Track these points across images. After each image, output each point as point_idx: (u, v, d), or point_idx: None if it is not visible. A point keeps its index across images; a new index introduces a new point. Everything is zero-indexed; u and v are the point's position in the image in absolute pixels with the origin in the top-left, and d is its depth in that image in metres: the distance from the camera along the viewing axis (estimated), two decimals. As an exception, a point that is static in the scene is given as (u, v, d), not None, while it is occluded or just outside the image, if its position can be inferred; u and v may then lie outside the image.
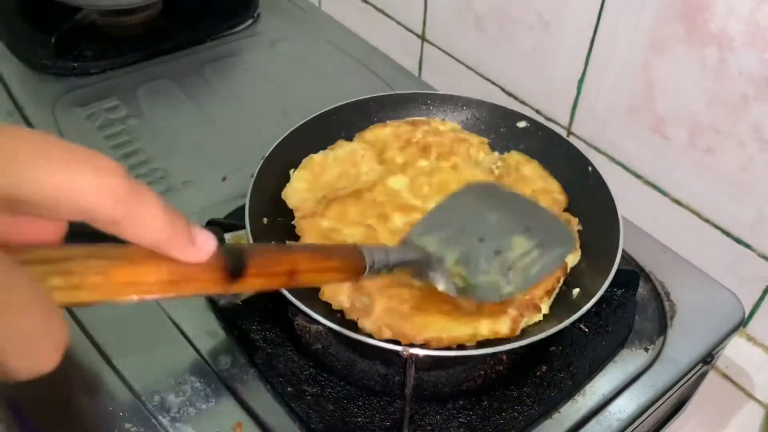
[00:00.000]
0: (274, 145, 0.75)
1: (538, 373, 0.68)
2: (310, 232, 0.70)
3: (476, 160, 0.81)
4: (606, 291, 0.62)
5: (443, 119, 0.86)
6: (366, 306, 0.63)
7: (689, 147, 0.81)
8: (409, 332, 0.60)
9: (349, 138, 0.82)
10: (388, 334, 0.60)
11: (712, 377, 0.87)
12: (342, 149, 0.79)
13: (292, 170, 0.76)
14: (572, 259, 0.69)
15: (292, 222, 0.72)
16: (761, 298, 0.81)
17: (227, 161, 0.91)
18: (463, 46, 1.05)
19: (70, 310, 0.70)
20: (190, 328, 0.69)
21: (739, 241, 0.80)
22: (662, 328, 0.73)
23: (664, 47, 0.78)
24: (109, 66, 1.06)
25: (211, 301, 0.72)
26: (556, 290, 0.67)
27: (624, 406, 0.66)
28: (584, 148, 0.84)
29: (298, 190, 0.75)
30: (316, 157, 0.78)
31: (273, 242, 0.68)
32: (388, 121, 0.84)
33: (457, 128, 0.84)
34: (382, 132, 0.82)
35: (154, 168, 0.89)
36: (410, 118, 0.85)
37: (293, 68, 1.10)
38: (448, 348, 0.60)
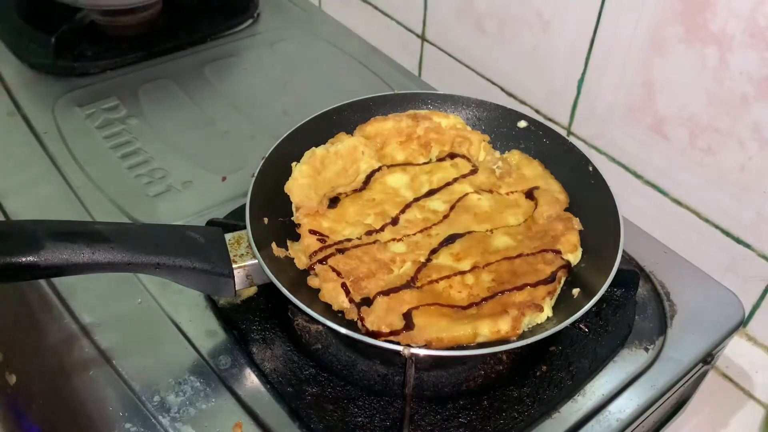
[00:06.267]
0: (275, 145, 0.75)
1: (538, 373, 0.68)
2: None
3: (477, 159, 0.81)
4: (606, 291, 0.62)
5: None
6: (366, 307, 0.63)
7: (689, 147, 0.80)
8: (409, 333, 0.60)
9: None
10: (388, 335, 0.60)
11: (712, 377, 0.87)
12: (343, 144, 0.79)
13: (294, 163, 0.76)
14: (573, 258, 0.69)
15: (293, 220, 0.72)
16: (761, 298, 0.81)
17: (227, 161, 0.91)
18: (463, 46, 1.05)
19: (69, 310, 0.70)
20: (190, 328, 0.69)
21: (739, 241, 0.80)
22: (662, 328, 0.73)
23: (664, 47, 0.78)
24: (109, 66, 1.06)
25: (211, 301, 0.72)
26: (558, 290, 0.67)
27: (624, 406, 0.66)
28: (584, 148, 0.84)
29: (301, 185, 0.74)
30: (318, 151, 0.78)
31: (273, 242, 0.68)
32: (390, 114, 0.84)
33: (459, 122, 0.84)
34: (383, 126, 0.82)
35: (154, 168, 0.89)
36: (412, 111, 0.84)
37: (293, 68, 1.10)
38: (449, 348, 0.60)
